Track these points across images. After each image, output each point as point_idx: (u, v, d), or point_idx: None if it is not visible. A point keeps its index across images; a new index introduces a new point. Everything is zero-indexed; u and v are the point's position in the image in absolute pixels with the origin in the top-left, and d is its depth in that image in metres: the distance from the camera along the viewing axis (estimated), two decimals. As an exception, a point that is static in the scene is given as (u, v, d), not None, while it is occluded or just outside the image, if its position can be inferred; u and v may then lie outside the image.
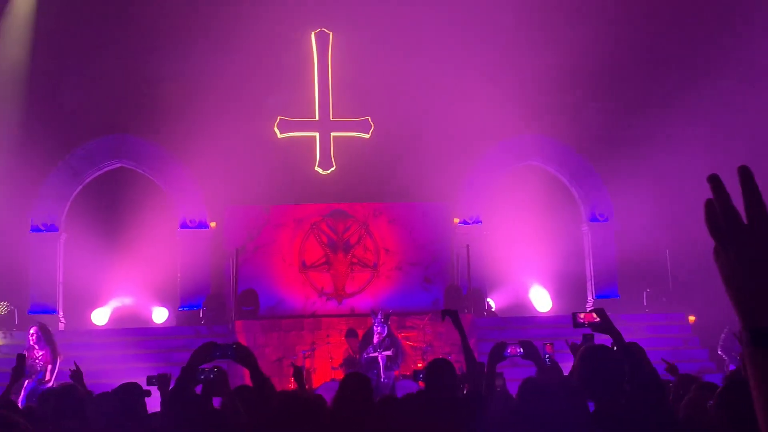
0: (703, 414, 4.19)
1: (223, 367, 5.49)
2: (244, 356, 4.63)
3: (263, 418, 4.15)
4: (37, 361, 11.68)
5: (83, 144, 16.80)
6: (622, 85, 17.62)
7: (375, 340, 12.70)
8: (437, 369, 5.07)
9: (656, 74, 17.66)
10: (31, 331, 12.03)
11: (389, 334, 12.84)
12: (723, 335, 13.07)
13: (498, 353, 4.98)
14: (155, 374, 6.57)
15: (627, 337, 4.66)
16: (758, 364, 1.36)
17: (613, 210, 17.50)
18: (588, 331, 5.08)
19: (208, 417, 4.77)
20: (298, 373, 7.21)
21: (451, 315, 5.72)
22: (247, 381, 4.90)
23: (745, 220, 1.41)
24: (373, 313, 13.19)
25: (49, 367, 11.65)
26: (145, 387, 6.09)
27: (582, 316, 4.83)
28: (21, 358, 6.98)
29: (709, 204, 1.43)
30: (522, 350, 5.03)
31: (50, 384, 11.26)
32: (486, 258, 16.53)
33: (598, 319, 4.76)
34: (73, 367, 6.90)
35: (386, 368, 12.36)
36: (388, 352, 12.52)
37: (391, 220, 16.72)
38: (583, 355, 4.23)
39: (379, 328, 12.72)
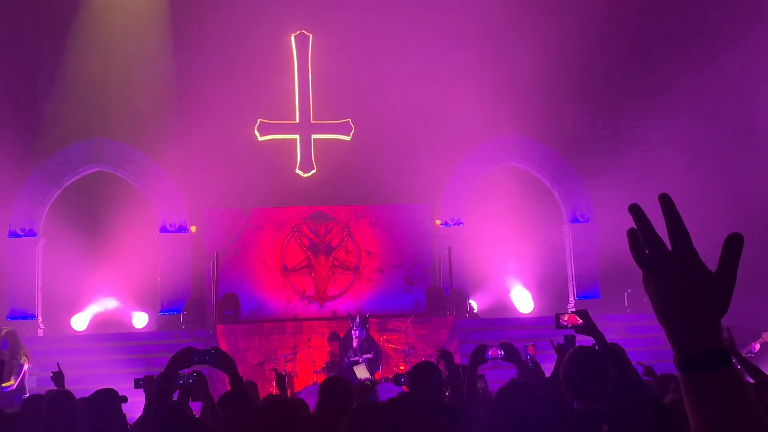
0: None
1: (203, 372, 5.45)
2: (223, 361, 4.61)
3: (243, 422, 4.12)
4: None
5: (61, 148, 16.64)
6: (600, 85, 17.71)
7: (354, 344, 12.68)
8: (423, 372, 5.04)
9: (634, 74, 17.75)
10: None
11: (368, 338, 12.84)
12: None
13: (479, 356, 4.97)
14: (142, 377, 6.50)
15: (608, 338, 4.66)
16: (692, 390, 1.36)
17: (593, 210, 17.56)
18: (571, 332, 5.08)
19: (187, 423, 4.73)
20: (281, 379, 7.18)
21: (445, 358, 5.67)
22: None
23: (669, 247, 1.41)
24: (351, 317, 13.18)
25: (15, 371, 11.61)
26: (126, 391, 6.03)
27: (565, 317, 4.84)
28: (2, 364, 6.87)
29: (632, 233, 1.43)
30: (503, 352, 5.02)
31: (13, 387, 11.29)
32: (468, 259, 16.56)
33: (580, 321, 4.77)
34: (56, 369, 6.85)
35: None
36: (369, 355, 12.50)
37: (373, 222, 16.70)
38: (570, 356, 4.23)
39: (356, 331, 12.73)
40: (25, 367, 11.77)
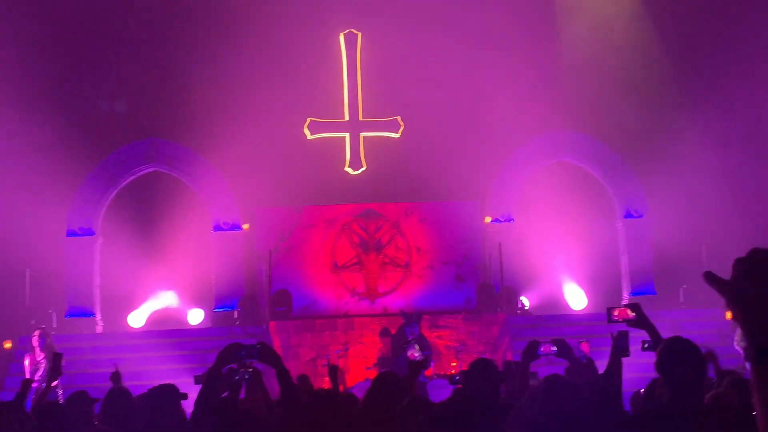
0: (724, 409, 4.12)
1: (258, 367, 5.53)
2: (269, 356, 4.68)
3: (293, 415, 4.16)
4: (40, 363, 11.93)
5: (118, 149, 16.99)
6: (656, 79, 17.44)
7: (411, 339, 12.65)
8: (479, 369, 5.02)
9: (688, 65, 17.44)
10: (35, 334, 12.34)
11: (420, 335, 12.83)
12: (739, 330, 12.83)
13: (531, 352, 4.96)
14: (202, 373, 6.61)
15: (665, 334, 4.60)
16: (763, 379, 1.60)
17: (647, 206, 17.32)
18: (621, 327, 5.04)
19: (239, 418, 4.81)
20: (333, 371, 7.22)
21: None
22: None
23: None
24: (404, 315, 13.16)
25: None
26: (182, 387, 6.15)
27: (616, 312, 4.78)
28: (57, 357, 6.98)
29: (707, 276, 1.84)
30: (555, 349, 5.00)
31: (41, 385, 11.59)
32: (519, 256, 16.43)
33: (633, 315, 4.71)
34: (113, 369, 6.99)
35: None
36: (427, 352, 12.46)
37: (422, 219, 16.71)
38: (665, 346, 4.13)
39: (410, 329, 12.71)
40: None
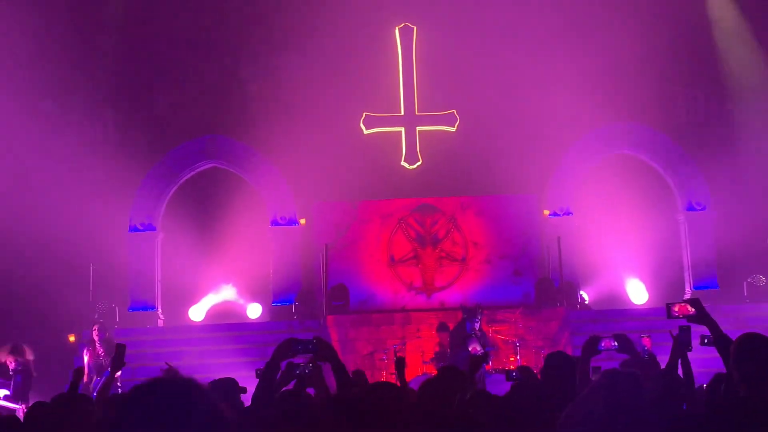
0: None
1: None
2: (325, 350, 4.71)
3: (349, 407, 4.16)
4: (100, 358, 12.16)
5: (176, 146, 17.26)
6: (714, 68, 17.03)
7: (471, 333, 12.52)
8: (556, 362, 4.96)
9: (753, 57, 16.98)
10: (94, 328, 12.59)
11: (481, 329, 12.73)
12: None
13: (592, 347, 4.89)
14: (262, 366, 6.67)
15: (726, 329, 4.50)
16: None
17: (710, 198, 16.94)
18: (684, 322, 4.94)
19: (302, 410, 4.84)
20: (400, 363, 7.21)
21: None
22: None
23: None
24: (464, 309, 13.04)
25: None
26: (244, 382, 6.23)
27: (676, 308, 4.71)
28: (121, 347, 7.02)
29: None
30: (616, 343, 4.92)
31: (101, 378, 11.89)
32: (578, 250, 16.22)
33: (693, 311, 4.63)
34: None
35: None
36: (489, 348, 12.36)
37: (479, 213, 16.61)
38: (740, 343, 4.05)
39: (471, 323, 12.55)
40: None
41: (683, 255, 17.06)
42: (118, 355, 6.83)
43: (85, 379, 12.19)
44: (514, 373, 7.21)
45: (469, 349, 11.67)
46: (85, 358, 12.50)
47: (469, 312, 12.72)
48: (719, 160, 16.23)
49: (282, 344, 4.73)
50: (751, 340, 3.89)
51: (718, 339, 4.37)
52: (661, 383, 4.97)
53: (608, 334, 5.07)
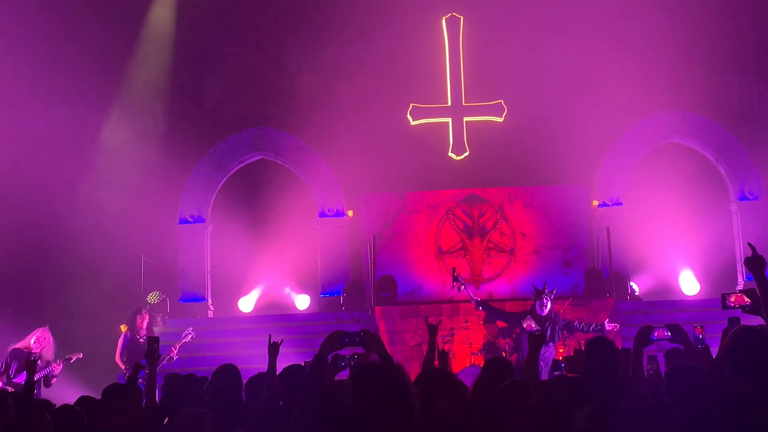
0: None
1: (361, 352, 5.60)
2: (373, 342, 4.73)
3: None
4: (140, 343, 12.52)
5: (225, 138, 17.44)
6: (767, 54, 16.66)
7: (543, 313, 11.96)
8: (599, 347, 4.93)
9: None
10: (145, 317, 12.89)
11: (553, 311, 12.25)
12: None
13: (644, 337, 4.84)
14: (311, 359, 6.72)
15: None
16: None
17: (763, 187, 16.60)
18: (735, 313, 4.86)
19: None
20: (443, 357, 7.22)
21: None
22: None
23: None
24: (535, 289, 12.42)
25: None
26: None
27: (732, 298, 4.67)
28: (153, 340, 7.00)
29: None
30: (669, 334, 4.86)
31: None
32: (628, 240, 16.02)
33: (748, 301, 4.57)
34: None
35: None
36: (537, 328, 11.72)
37: (527, 203, 16.50)
38: (735, 337, 4.03)
39: (540, 303, 12.08)
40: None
41: (736, 245, 16.75)
42: (150, 349, 6.86)
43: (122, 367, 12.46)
44: (561, 364, 7.12)
45: (524, 325, 11.27)
46: (121, 343, 12.77)
47: (536, 293, 12.29)
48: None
49: (330, 336, 4.79)
50: (746, 333, 3.82)
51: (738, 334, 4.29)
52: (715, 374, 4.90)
53: (661, 324, 5.01)
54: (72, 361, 11.78)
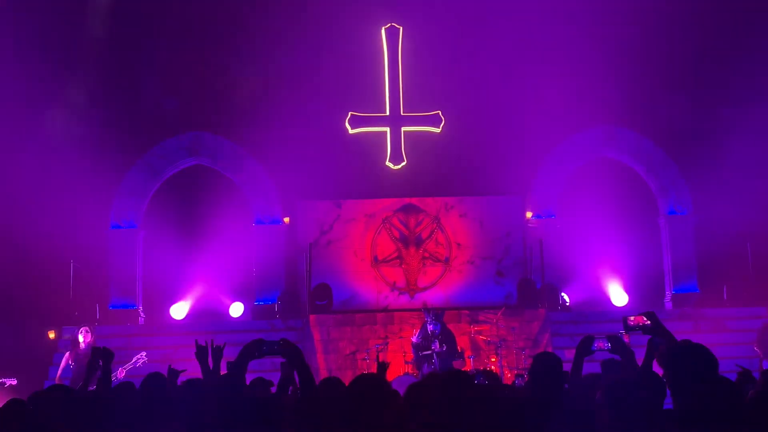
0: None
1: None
2: (291, 353, 4.73)
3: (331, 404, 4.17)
4: (83, 362, 12.15)
5: (160, 142, 17.20)
6: (700, 73, 17.15)
7: (426, 336, 12.84)
8: (545, 364, 4.96)
9: (736, 58, 17.10)
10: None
11: (443, 331, 12.90)
12: (761, 328, 12.69)
13: (585, 347, 4.94)
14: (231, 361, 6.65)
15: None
16: None
17: (691, 202, 17.08)
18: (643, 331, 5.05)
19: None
20: (382, 368, 7.21)
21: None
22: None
23: None
24: (426, 310, 13.23)
25: None
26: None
27: (632, 319, 4.89)
28: (97, 351, 6.90)
29: None
30: (610, 345, 4.98)
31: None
32: (560, 252, 16.33)
33: (648, 322, 4.79)
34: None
35: (441, 364, 12.36)
36: (439, 348, 12.52)
37: (463, 214, 16.67)
38: (674, 352, 4.10)
39: (431, 326, 12.80)
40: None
41: (664, 258, 17.18)
42: (93, 359, 6.75)
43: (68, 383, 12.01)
44: (476, 378, 7.14)
45: (432, 348, 12.33)
46: (64, 363, 12.07)
47: (426, 311, 13.12)
48: (700, 164, 16.35)
49: (248, 345, 4.80)
50: (685, 350, 3.94)
51: (672, 350, 4.41)
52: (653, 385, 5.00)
53: (590, 334, 5.12)
54: (6, 386, 11.21)
